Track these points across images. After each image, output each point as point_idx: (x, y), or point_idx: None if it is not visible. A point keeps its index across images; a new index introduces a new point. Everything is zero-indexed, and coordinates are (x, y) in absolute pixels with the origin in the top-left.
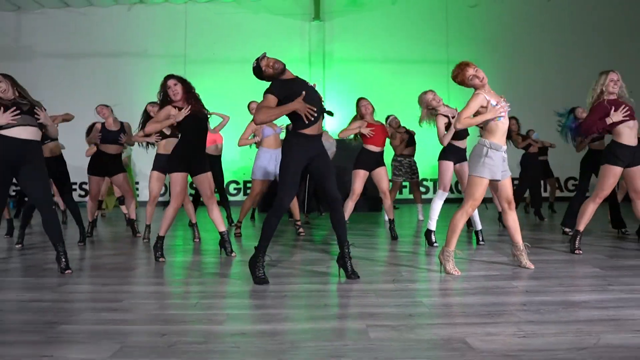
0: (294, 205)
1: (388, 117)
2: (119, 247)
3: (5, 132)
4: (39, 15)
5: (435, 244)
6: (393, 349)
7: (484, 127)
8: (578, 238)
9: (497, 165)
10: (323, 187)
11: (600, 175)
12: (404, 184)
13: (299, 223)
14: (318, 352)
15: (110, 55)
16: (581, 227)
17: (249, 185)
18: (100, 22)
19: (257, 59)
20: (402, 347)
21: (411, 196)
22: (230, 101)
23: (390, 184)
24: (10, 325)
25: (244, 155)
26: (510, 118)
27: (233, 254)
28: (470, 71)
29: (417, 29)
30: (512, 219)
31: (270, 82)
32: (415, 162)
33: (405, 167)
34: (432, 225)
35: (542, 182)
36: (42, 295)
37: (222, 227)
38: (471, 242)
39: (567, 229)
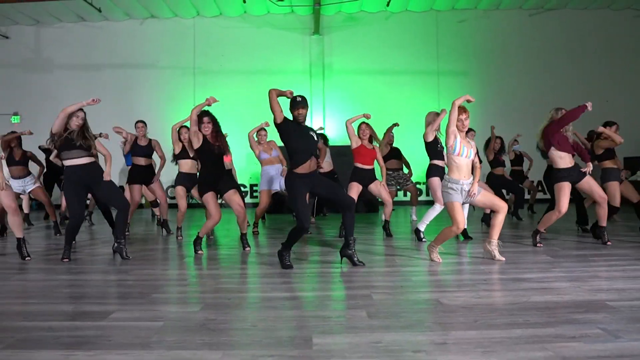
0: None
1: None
2: (159, 241)
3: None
4: (57, 29)
5: (423, 240)
6: (389, 304)
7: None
8: (538, 235)
9: (458, 192)
10: (335, 199)
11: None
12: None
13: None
14: (337, 305)
15: (124, 66)
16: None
17: (255, 188)
18: (115, 36)
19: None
20: (395, 302)
21: (405, 198)
22: (237, 110)
23: None
24: (118, 294)
25: (250, 160)
26: (497, 137)
27: (247, 248)
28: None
29: (410, 43)
30: (499, 219)
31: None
32: (404, 173)
33: (396, 179)
34: (422, 227)
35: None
36: (124, 277)
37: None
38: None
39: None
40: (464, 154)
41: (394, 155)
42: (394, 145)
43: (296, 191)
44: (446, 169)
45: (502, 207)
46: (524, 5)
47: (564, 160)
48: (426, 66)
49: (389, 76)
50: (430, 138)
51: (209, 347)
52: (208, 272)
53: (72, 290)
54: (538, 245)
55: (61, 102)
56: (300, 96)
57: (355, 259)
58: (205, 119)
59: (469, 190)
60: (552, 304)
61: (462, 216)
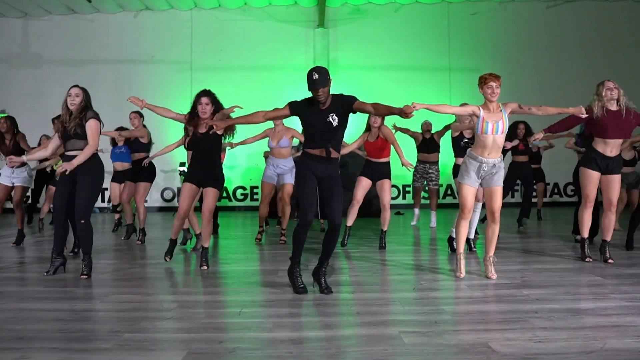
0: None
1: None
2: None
3: None
4: (45, 22)
5: (473, 249)
6: (427, 352)
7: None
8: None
9: (470, 172)
10: (326, 211)
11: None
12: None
13: (283, 232)
14: (363, 356)
15: (117, 61)
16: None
17: (255, 190)
18: (107, 29)
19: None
20: (434, 349)
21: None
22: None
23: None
24: (78, 333)
25: (250, 161)
26: (520, 123)
27: (204, 267)
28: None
29: (420, 37)
30: (492, 231)
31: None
32: (432, 169)
33: (421, 173)
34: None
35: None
36: (94, 305)
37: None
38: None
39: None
40: (488, 131)
41: (425, 146)
42: (432, 132)
43: (301, 175)
44: None
45: (497, 219)
46: None
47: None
48: (437, 62)
49: (397, 72)
50: (455, 133)
51: None
52: (196, 298)
53: (24, 326)
54: (609, 261)
55: (50, 99)
56: (316, 70)
57: (323, 284)
58: (204, 99)
59: (490, 171)
60: (636, 351)
61: (470, 201)
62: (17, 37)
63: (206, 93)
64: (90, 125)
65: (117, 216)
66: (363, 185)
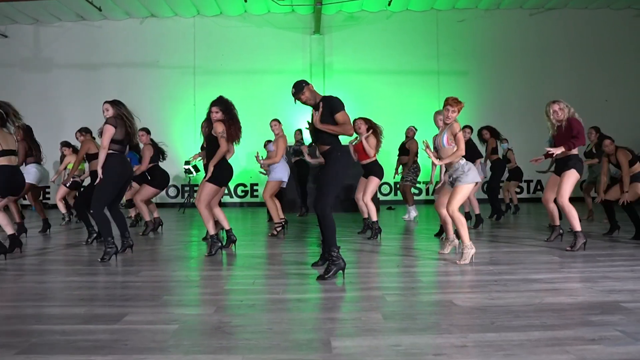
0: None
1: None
2: (162, 242)
3: None
4: (56, 28)
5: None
6: (404, 305)
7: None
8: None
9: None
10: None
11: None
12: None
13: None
14: (354, 308)
15: (124, 65)
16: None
17: (255, 187)
18: (114, 35)
19: (305, 83)
20: (409, 304)
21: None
22: (237, 109)
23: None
24: (127, 296)
25: (250, 159)
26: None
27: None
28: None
29: (411, 42)
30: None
31: (323, 99)
32: (410, 169)
33: (403, 173)
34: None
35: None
36: (132, 278)
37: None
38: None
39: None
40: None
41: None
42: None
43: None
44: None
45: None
46: (524, 5)
47: None
48: (426, 66)
49: (389, 76)
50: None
51: (227, 351)
52: (216, 273)
53: (82, 292)
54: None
55: (60, 101)
56: (292, 86)
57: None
58: (213, 108)
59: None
60: (566, 306)
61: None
62: (29, 42)
63: (215, 103)
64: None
65: (132, 213)
66: (361, 184)
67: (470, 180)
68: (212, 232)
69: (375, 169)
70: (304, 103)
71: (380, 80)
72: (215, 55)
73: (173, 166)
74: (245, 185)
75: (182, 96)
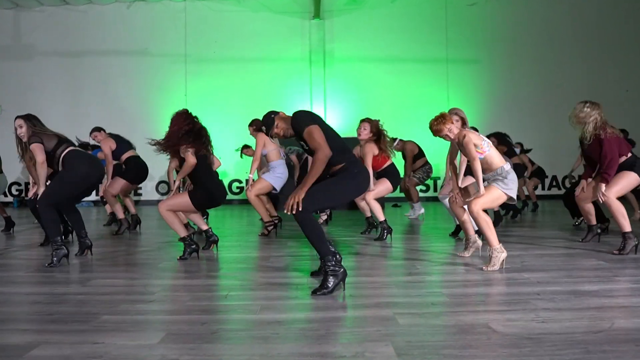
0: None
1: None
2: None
3: None
4: (37, 13)
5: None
6: (422, 332)
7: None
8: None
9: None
10: None
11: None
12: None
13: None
14: (355, 337)
15: (110, 53)
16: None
17: None
18: (100, 20)
19: (273, 114)
20: (430, 329)
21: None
22: (230, 100)
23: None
24: (55, 315)
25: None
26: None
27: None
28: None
29: (417, 28)
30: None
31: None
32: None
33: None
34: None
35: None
36: (75, 289)
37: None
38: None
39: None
40: None
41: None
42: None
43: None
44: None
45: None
46: None
47: None
48: (434, 53)
49: (394, 64)
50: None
51: None
52: (183, 282)
53: (2, 309)
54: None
55: (43, 92)
56: (262, 124)
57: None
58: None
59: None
60: None
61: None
62: (8, 28)
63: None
64: None
65: (109, 209)
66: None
67: (507, 189)
68: (182, 234)
69: (389, 174)
70: (284, 137)
71: (385, 69)
72: (207, 42)
73: (164, 161)
74: (240, 182)
75: (172, 86)
